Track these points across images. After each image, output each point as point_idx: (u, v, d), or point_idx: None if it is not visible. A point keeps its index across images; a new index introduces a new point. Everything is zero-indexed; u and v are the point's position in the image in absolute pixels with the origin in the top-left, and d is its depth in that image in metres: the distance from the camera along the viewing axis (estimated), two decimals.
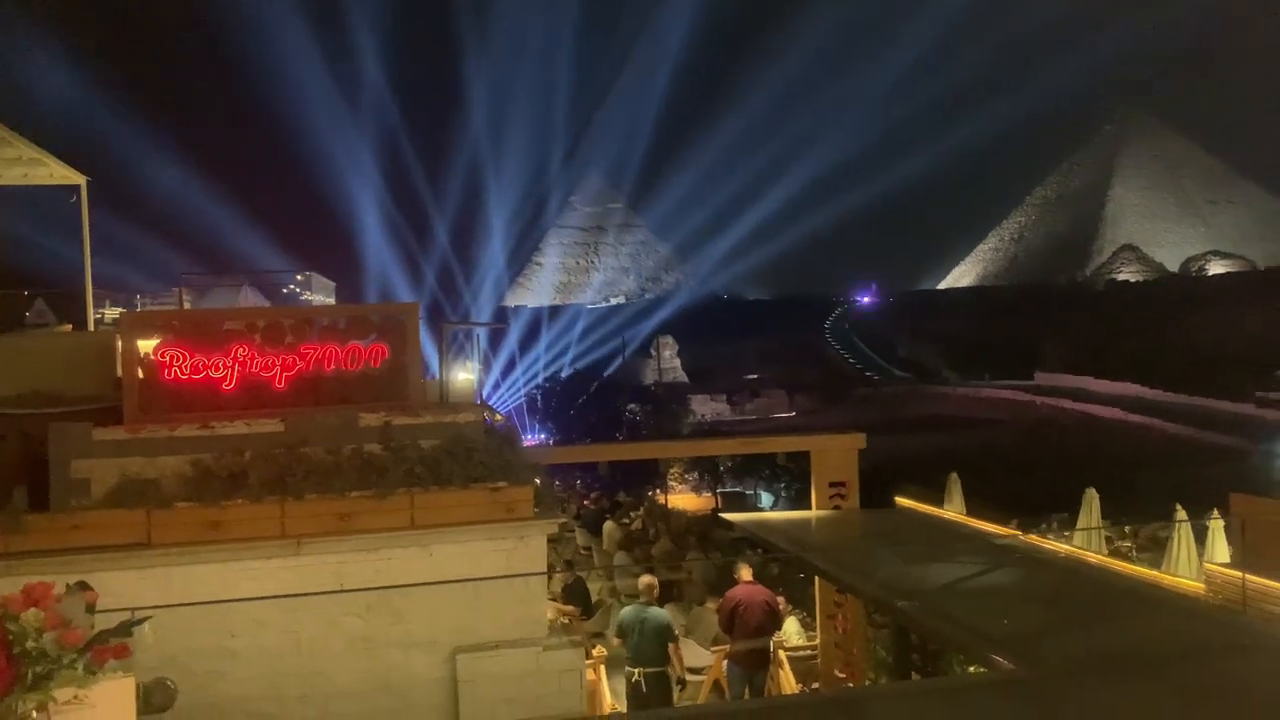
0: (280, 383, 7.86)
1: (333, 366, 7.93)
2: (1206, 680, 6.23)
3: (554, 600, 13.55)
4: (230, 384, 7.80)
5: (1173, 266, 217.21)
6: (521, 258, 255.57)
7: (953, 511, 18.22)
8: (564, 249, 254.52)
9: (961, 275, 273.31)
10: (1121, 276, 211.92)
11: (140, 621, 2.22)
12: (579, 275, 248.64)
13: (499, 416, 10.00)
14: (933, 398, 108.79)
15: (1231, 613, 9.46)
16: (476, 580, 6.78)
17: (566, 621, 10.87)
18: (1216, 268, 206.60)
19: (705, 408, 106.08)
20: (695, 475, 48.59)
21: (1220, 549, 18.20)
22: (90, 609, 1.90)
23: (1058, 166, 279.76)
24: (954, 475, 21.00)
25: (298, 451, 6.98)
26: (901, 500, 15.10)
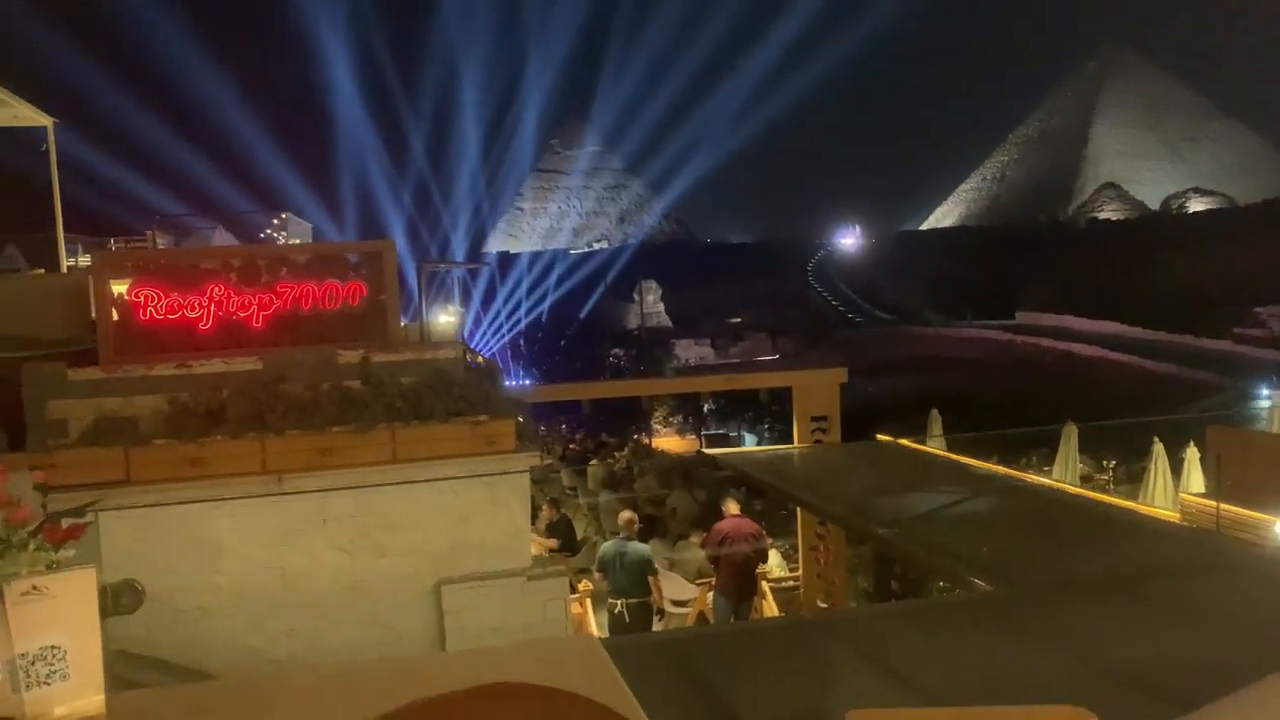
0: (257, 322, 7.78)
1: (310, 305, 7.85)
2: (1181, 596, 6.36)
3: (544, 541, 13.68)
4: (206, 324, 7.71)
5: (1154, 204, 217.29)
6: (504, 203, 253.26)
7: (934, 447, 18.42)
8: (545, 194, 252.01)
9: (944, 216, 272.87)
10: (1103, 215, 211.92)
11: (92, 504, 2.20)
12: (560, 220, 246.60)
13: (481, 359, 9.97)
14: (915, 339, 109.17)
15: (1205, 536, 9.65)
16: (459, 513, 6.81)
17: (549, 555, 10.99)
18: (1197, 205, 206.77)
19: (689, 351, 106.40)
20: (680, 418, 48.89)
21: (1196, 480, 18.50)
22: (42, 489, 1.86)
23: (1040, 104, 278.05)
24: (934, 412, 21.15)
25: (276, 388, 6.94)
26: (882, 436, 15.23)
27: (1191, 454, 19.30)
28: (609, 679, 1.85)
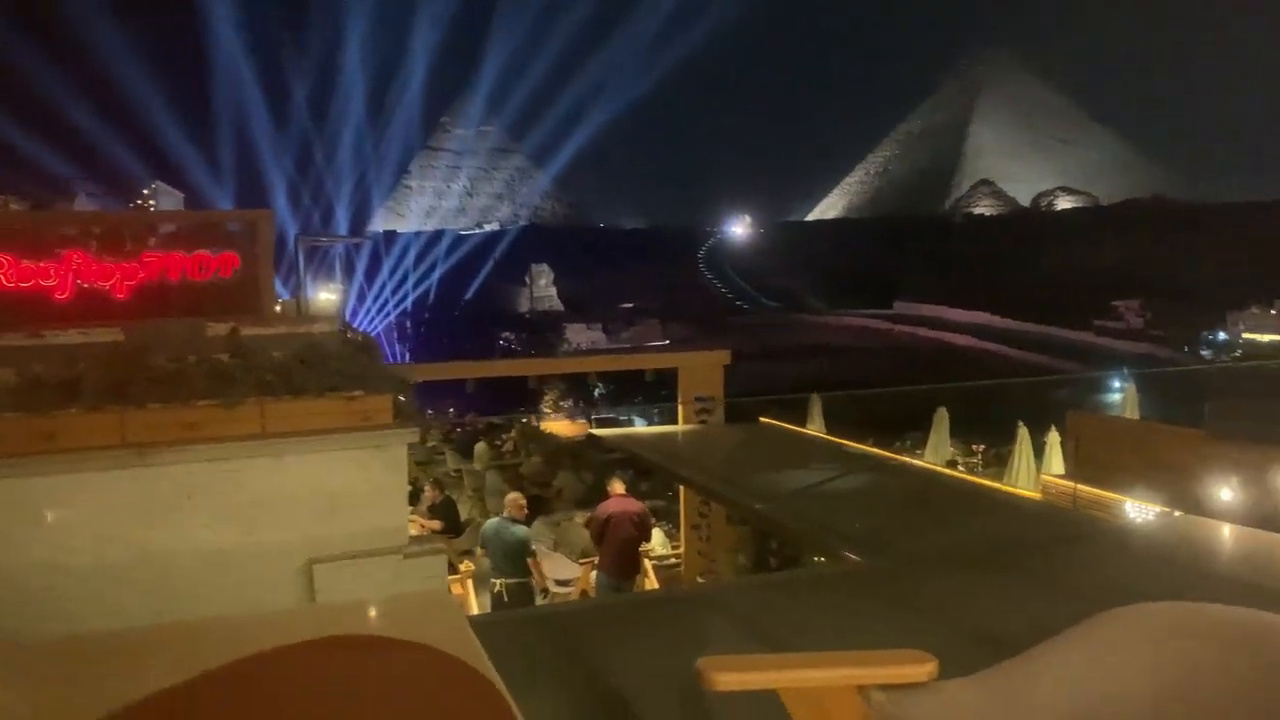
0: (121, 292, 7.39)
1: (178, 275, 7.50)
2: (1040, 566, 6.72)
3: (425, 521, 13.50)
4: (64, 293, 7.28)
5: (1025, 201, 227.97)
6: (390, 181, 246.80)
7: (813, 430, 18.95)
8: (435, 172, 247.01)
9: (829, 207, 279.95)
10: (978, 210, 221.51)
11: None
12: (449, 199, 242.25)
13: (359, 335, 9.72)
14: (800, 326, 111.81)
15: (1063, 513, 10.23)
16: (333, 490, 6.63)
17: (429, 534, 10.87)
18: (1065, 203, 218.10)
19: (581, 336, 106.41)
20: (570, 403, 48.90)
21: (1056, 462, 19.61)
22: None
23: (922, 101, 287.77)
24: (815, 396, 21.77)
25: (138, 360, 6.60)
26: (766, 420, 15.56)
27: (1053, 438, 20.45)
28: (460, 633, 1.84)
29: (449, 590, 11.71)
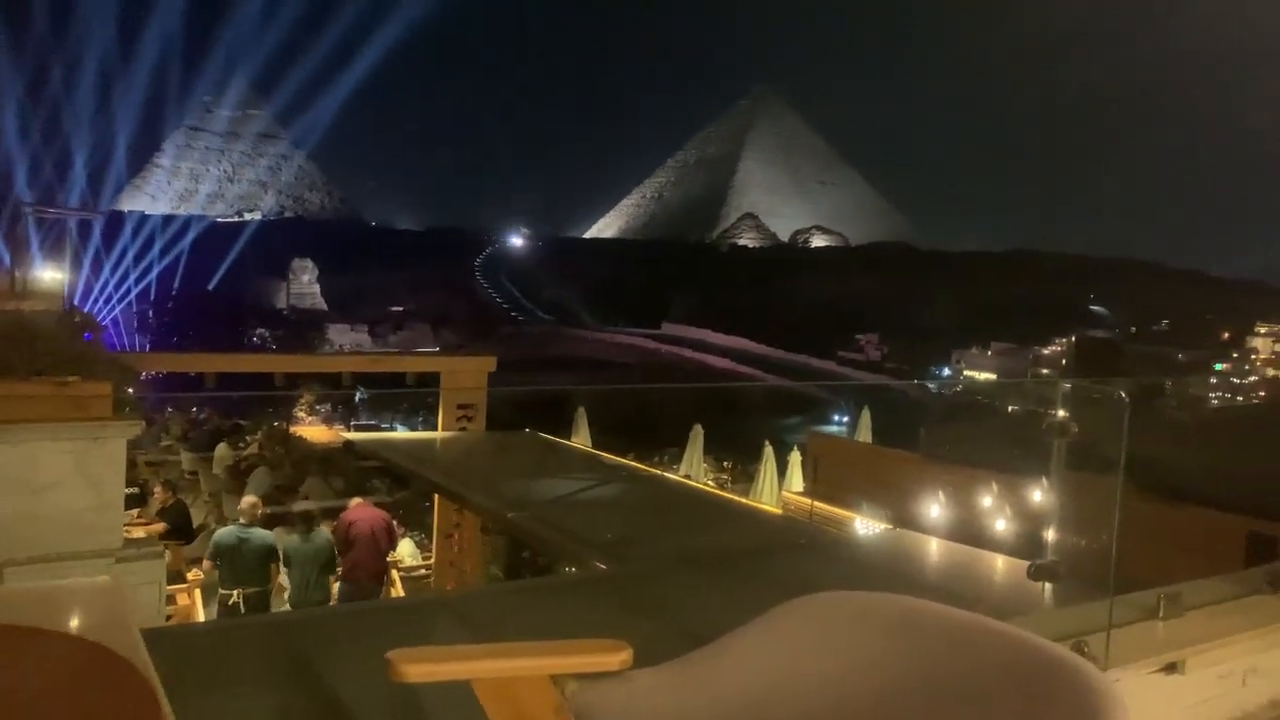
0: None
1: None
2: (769, 573, 7.15)
3: (149, 524, 12.42)
4: None
5: (784, 236, 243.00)
6: (141, 158, 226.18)
7: (578, 442, 19.21)
8: (192, 153, 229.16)
9: (606, 226, 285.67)
10: (742, 241, 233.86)
11: None
12: (209, 184, 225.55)
13: (79, 316, 8.83)
14: (572, 340, 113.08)
15: (800, 524, 10.95)
16: (37, 484, 5.96)
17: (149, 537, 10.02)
18: (819, 241, 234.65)
19: (344, 337, 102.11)
20: (329, 407, 46.63)
21: (797, 479, 21.06)
22: None
23: (698, 132, 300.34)
24: (581, 410, 22.12)
25: None
26: (530, 430, 15.61)
27: (794, 457, 21.97)
28: (119, 624, 1.71)
29: (179, 600, 10.84)
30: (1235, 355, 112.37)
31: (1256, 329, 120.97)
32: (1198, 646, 3.86)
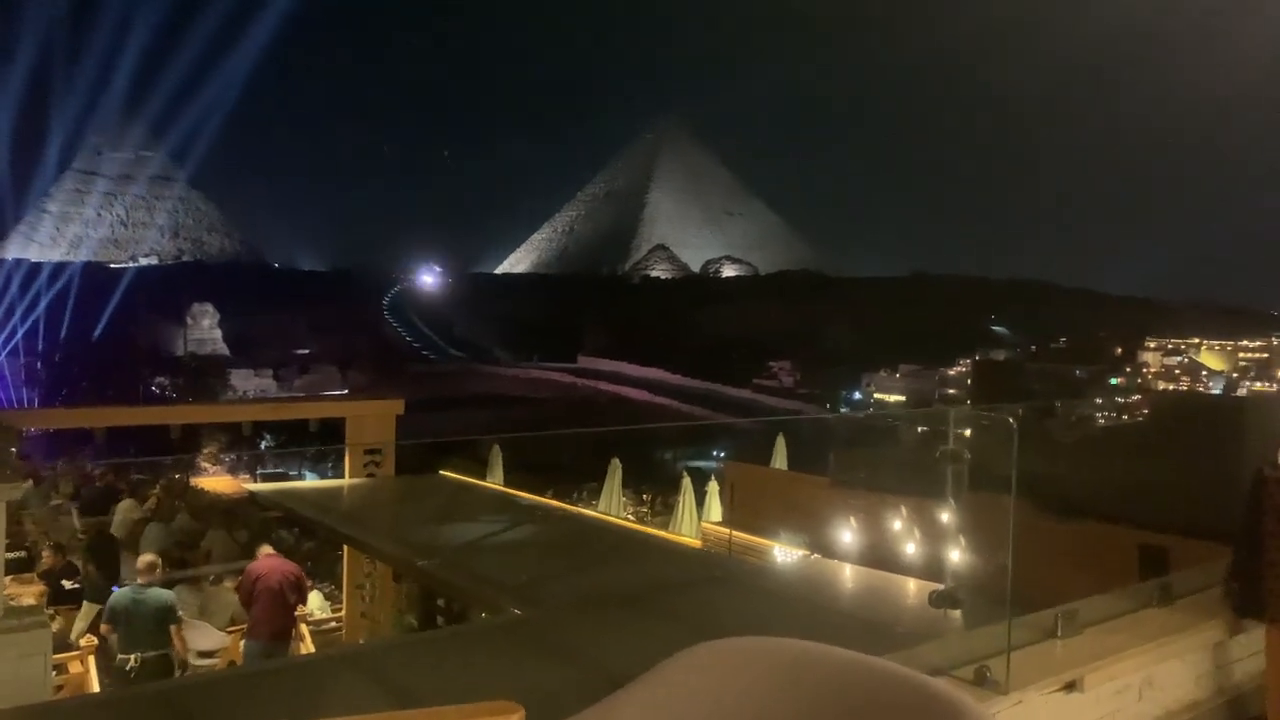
0: None
1: None
2: (687, 608, 7.11)
3: (32, 587, 11.76)
4: None
5: (695, 267, 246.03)
6: (26, 203, 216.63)
7: (493, 482, 18.91)
8: (82, 197, 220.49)
9: (518, 261, 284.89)
10: (654, 273, 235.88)
11: None
12: (100, 229, 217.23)
13: None
14: (486, 376, 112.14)
15: (718, 556, 10.95)
16: None
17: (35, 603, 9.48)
18: (729, 271, 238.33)
19: (248, 383, 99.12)
20: (233, 457, 45.11)
21: (715, 510, 21.11)
22: None
23: (606, 166, 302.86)
24: (495, 448, 21.81)
25: None
26: (444, 472, 15.33)
27: (712, 487, 22.03)
28: None
29: (69, 668, 10.23)
30: (1128, 370, 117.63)
31: (1146, 344, 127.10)
32: (1095, 664, 3.97)
